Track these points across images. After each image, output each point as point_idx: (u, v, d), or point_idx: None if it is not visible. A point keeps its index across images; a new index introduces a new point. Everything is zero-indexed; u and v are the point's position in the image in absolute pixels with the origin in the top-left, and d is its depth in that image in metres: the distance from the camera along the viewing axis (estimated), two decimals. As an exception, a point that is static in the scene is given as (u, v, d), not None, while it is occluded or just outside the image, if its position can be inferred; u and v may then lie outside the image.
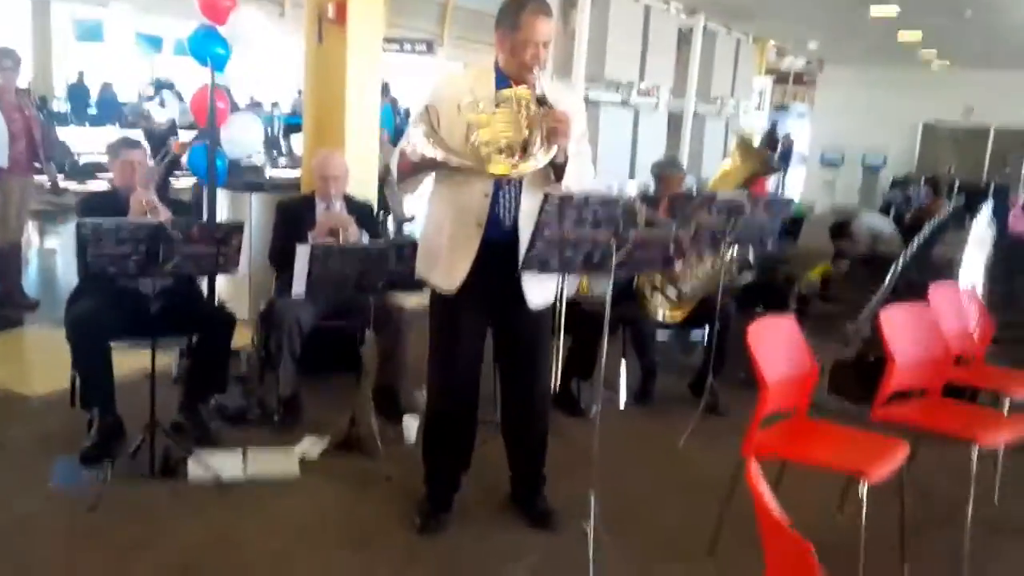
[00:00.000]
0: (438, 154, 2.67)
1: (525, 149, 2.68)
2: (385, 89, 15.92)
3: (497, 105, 2.70)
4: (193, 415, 3.73)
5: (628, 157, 7.26)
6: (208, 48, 4.57)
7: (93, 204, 3.81)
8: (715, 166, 7.24)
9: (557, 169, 2.79)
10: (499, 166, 2.65)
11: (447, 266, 2.92)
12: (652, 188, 5.08)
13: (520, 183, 2.84)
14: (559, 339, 4.25)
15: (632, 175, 7.29)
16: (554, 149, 2.69)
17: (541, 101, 2.70)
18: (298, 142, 13.41)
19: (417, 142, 2.67)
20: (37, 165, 5.77)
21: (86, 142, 12.62)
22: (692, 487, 3.62)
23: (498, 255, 2.84)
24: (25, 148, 5.51)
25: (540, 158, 2.68)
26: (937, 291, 3.84)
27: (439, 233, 2.94)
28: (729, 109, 9.54)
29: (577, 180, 2.86)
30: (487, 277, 2.88)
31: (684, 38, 8.17)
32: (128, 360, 3.71)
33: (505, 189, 2.85)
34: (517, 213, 2.87)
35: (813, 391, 3.12)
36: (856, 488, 2.69)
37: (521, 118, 2.68)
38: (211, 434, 3.71)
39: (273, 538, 3.05)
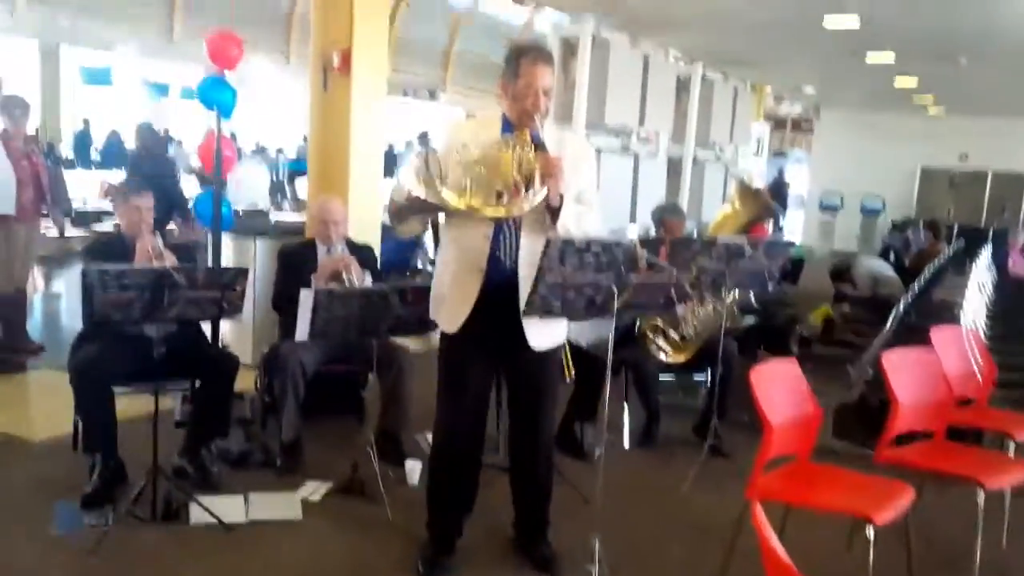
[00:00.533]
0: (422, 193, 2.70)
1: (517, 192, 2.73)
2: (423, 138, 16.11)
3: (491, 150, 2.75)
4: (195, 459, 3.72)
5: (629, 202, 7.33)
6: (216, 95, 4.64)
7: (99, 249, 3.84)
8: (714, 211, 7.30)
9: (552, 213, 2.83)
10: (486, 208, 2.71)
11: (450, 307, 2.97)
12: (653, 232, 5.13)
13: (518, 226, 2.88)
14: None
15: (633, 219, 7.35)
16: (543, 192, 2.74)
17: (537, 145, 2.76)
18: (303, 187, 13.53)
19: (406, 181, 2.73)
20: (44, 211, 5.81)
21: (91, 187, 12.72)
22: (696, 531, 3.60)
23: (499, 297, 2.88)
24: (33, 195, 5.56)
25: (527, 202, 2.72)
26: (939, 334, 3.86)
27: (444, 275, 3.00)
28: (728, 155, 9.65)
29: (576, 224, 2.89)
30: (489, 319, 2.91)
31: (683, 85, 8.31)
32: (131, 404, 3.71)
33: (505, 232, 2.90)
34: (517, 256, 2.91)
35: (817, 434, 3.12)
36: (862, 531, 2.68)
37: (512, 162, 2.74)
38: (213, 478, 3.70)
39: (275, 583, 3.03)
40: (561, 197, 2.80)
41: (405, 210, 2.85)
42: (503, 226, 2.88)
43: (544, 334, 3.00)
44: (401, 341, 4.12)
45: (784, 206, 17.40)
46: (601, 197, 3.10)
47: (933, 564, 3.34)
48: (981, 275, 7.79)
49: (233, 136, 14.40)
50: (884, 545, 2.68)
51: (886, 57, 9.32)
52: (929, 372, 3.48)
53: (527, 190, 2.71)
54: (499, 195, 2.73)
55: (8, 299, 5.62)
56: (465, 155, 2.74)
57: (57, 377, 5.03)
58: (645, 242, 2.88)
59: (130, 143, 18.10)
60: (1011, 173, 15.36)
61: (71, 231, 6.94)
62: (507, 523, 3.29)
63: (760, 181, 18.37)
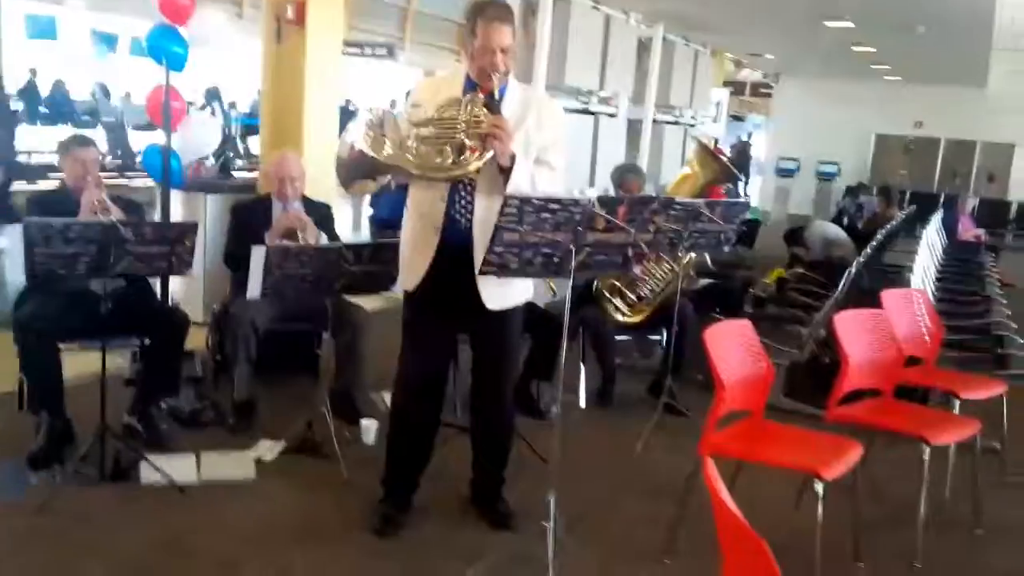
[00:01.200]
0: (367, 148, 2.69)
1: (461, 152, 2.72)
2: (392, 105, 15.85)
3: (443, 110, 2.74)
4: (145, 418, 3.66)
5: (588, 163, 7.31)
6: (166, 47, 4.50)
7: (43, 204, 3.72)
8: (673, 173, 7.32)
9: (505, 173, 2.81)
10: (431, 167, 2.72)
11: (409, 266, 2.99)
12: (612, 193, 5.12)
13: (473, 187, 2.85)
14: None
15: (592, 182, 7.34)
16: (488, 153, 2.72)
17: (488, 106, 2.74)
18: (255, 143, 13.28)
19: (354, 139, 2.71)
20: None
21: (38, 141, 12.36)
22: (651, 488, 3.64)
23: (456, 257, 2.87)
24: None
25: (473, 162, 2.72)
26: (889, 296, 3.92)
27: (407, 234, 3.01)
28: (687, 118, 9.67)
29: (530, 185, 2.86)
30: (446, 279, 2.90)
31: (644, 47, 8.27)
32: (78, 362, 3.63)
33: (460, 194, 2.88)
34: (472, 216, 2.88)
35: (769, 392, 3.16)
36: (811, 487, 2.72)
37: (458, 121, 2.72)
38: (164, 437, 3.64)
39: (228, 542, 2.99)
40: (513, 157, 2.77)
41: (350, 167, 2.82)
42: (458, 187, 2.87)
43: (501, 295, 2.98)
44: (357, 300, 4.07)
45: (747, 173, 17.56)
46: (562, 164, 3.07)
47: (880, 517, 3.43)
48: (931, 239, 7.95)
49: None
50: (832, 500, 2.74)
51: (845, 24, 9.36)
52: (879, 333, 3.54)
53: (474, 152, 2.70)
54: (447, 155, 2.72)
55: None
56: (416, 115, 2.74)
57: (0, 334, 4.91)
58: (603, 201, 2.85)
59: (77, 95, 17.64)
60: (963, 141, 15.64)
61: (16, 186, 6.71)
62: (463, 481, 3.29)
63: (724, 145, 18.50)
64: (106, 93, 17.68)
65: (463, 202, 2.90)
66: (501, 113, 2.78)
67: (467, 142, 2.72)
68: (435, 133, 2.74)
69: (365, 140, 2.70)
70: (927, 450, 3.09)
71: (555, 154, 2.97)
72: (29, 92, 16.81)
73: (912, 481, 3.14)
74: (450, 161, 2.72)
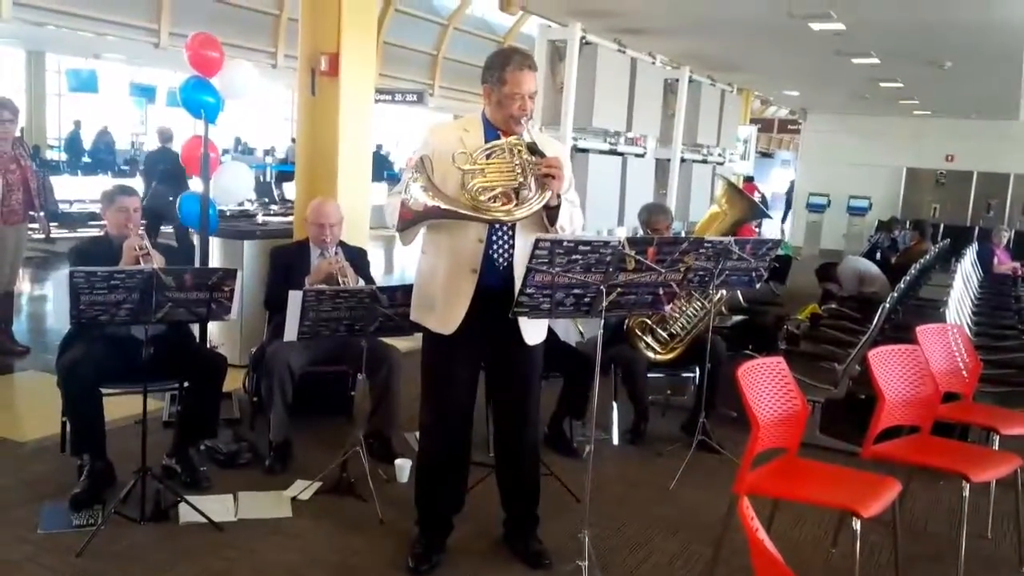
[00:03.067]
0: (440, 204, 2.78)
1: (519, 195, 2.81)
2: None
3: (489, 155, 2.82)
4: (184, 459, 3.71)
5: (616, 203, 7.33)
6: (199, 98, 4.64)
7: (86, 252, 3.83)
8: (702, 211, 7.33)
9: (550, 213, 2.88)
10: (496, 212, 2.79)
11: (443, 311, 2.98)
12: (640, 233, 5.15)
13: (513, 227, 2.92)
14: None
15: (621, 221, 7.36)
16: (547, 193, 2.81)
17: (532, 149, 2.82)
18: (290, 189, 13.53)
19: (417, 195, 2.78)
20: (32, 214, 5.80)
21: (79, 191, 12.70)
22: (685, 526, 3.61)
23: (494, 298, 2.89)
24: (22, 198, 5.56)
25: (535, 203, 2.81)
26: (925, 330, 3.90)
27: (433, 278, 3.00)
28: (715, 157, 9.69)
29: (569, 223, 2.97)
30: (483, 320, 2.92)
31: (670, 88, 8.33)
32: (119, 404, 3.71)
33: (498, 234, 2.93)
34: (511, 257, 2.94)
35: (804, 430, 3.14)
36: (848, 525, 2.70)
37: (515, 166, 2.81)
38: (202, 478, 3.69)
39: (265, 582, 3.03)
40: (559, 196, 2.86)
41: (417, 220, 2.86)
42: (495, 227, 2.92)
43: (536, 330, 3.06)
44: (390, 340, 4.12)
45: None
46: (588, 198, 3.14)
47: (920, 556, 3.37)
48: (966, 272, 7.86)
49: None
50: (871, 538, 2.71)
51: (871, 61, 9.38)
52: (915, 368, 3.51)
53: (531, 193, 2.79)
54: (506, 198, 2.80)
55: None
56: (466, 161, 2.80)
57: (44, 379, 5.03)
58: (633, 241, 2.89)
59: (119, 144, 18.12)
60: (996, 173, 15.49)
61: (57, 233, 6.91)
62: (497, 520, 3.30)
63: (760, 182, 18.43)
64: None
65: (501, 242, 2.95)
66: (544, 155, 2.84)
67: (525, 185, 2.80)
68: (489, 179, 2.80)
69: (428, 194, 2.77)
70: (967, 487, 3.05)
71: (571, 190, 3.04)
72: (73, 143, 17.31)
73: (953, 519, 3.11)
74: (512, 204, 2.80)
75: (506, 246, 2.95)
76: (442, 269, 2.97)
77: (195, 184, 4.95)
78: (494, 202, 2.79)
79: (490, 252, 2.94)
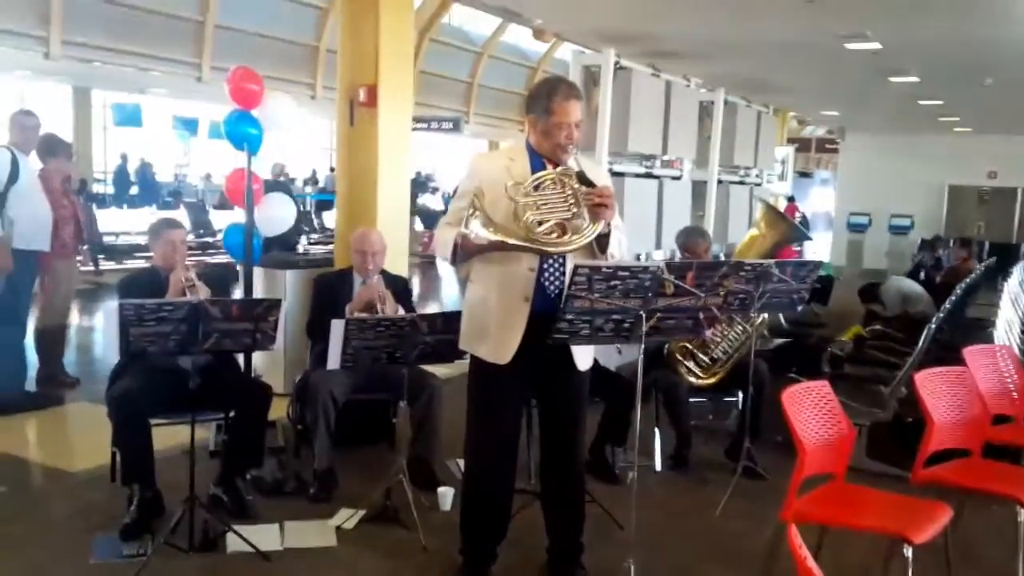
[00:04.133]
0: (504, 238, 2.82)
1: (572, 225, 2.85)
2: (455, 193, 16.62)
3: (538, 185, 2.86)
4: (231, 489, 3.76)
5: (654, 227, 7.32)
6: (243, 130, 4.74)
7: (133, 284, 3.91)
8: (741, 233, 7.29)
9: (601, 241, 2.91)
10: (553, 245, 2.82)
11: (497, 340, 2.99)
12: (677, 257, 5.14)
13: (564, 255, 2.93)
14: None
15: (658, 245, 7.35)
16: (600, 223, 2.85)
17: (582, 179, 2.85)
18: (330, 218, 13.72)
19: (478, 231, 2.82)
20: (81, 248, 5.99)
21: (125, 224, 13.00)
22: (731, 554, 3.57)
23: (545, 326, 2.87)
24: (73, 232, 5.72)
25: (589, 233, 2.85)
26: (972, 351, 3.83)
27: (485, 307, 3.02)
28: (753, 178, 9.64)
29: (618, 249, 3.00)
30: (535, 348, 2.93)
31: (705, 111, 8.33)
32: (167, 435, 3.77)
33: (549, 262, 2.96)
34: (563, 285, 2.95)
35: (851, 455, 3.10)
36: (899, 552, 2.65)
37: (567, 196, 2.85)
38: (249, 507, 3.73)
39: (311, 611, 3.05)
40: (609, 225, 2.89)
41: (478, 253, 2.92)
42: (547, 256, 2.94)
43: (586, 355, 3.09)
44: (431, 368, 4.15)
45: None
46: (625, 221, 3.15)
47: (974, 584, 3.29)
48: (1014, 291, 7.69)
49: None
50: (923, 566, 2.66)
51: (909, 80, 9.30)
52: (963, 390, 3.45)
53: (585, 223, 2.84)
54: (560, 230, 2.84)
55: (48, 333, 5.76)
56: (519, 193, 2.82)
57: (94, 409, 5.12)
58: (672, 266, 2.89)
59: (161, 176, 18.53)
60: (1042, 189, 15.22)
61: (104, 265, 7.09)
62: (541, 549, 3.28)
63: (801, 203, 18.26)
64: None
65: (553, 270, 2.97)
66: (593, 184, 2.87)
67: (579, 215, 2.83)
68: (544, 211, 2.83)
69: (489, 229, 2.81)
70: (1022, 512, 2.98)
71: (617, 216, 3.05)
72: (120, 176, 17.71)
73: (1007, 544, 3.03)
74: (568, 235, 2.83)
75: (557, 274, 2.97)
76: (494, 298, 2.98)
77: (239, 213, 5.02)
78: (550, 234, 2.82)
79: (542, 280, 2.96)
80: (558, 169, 2.90)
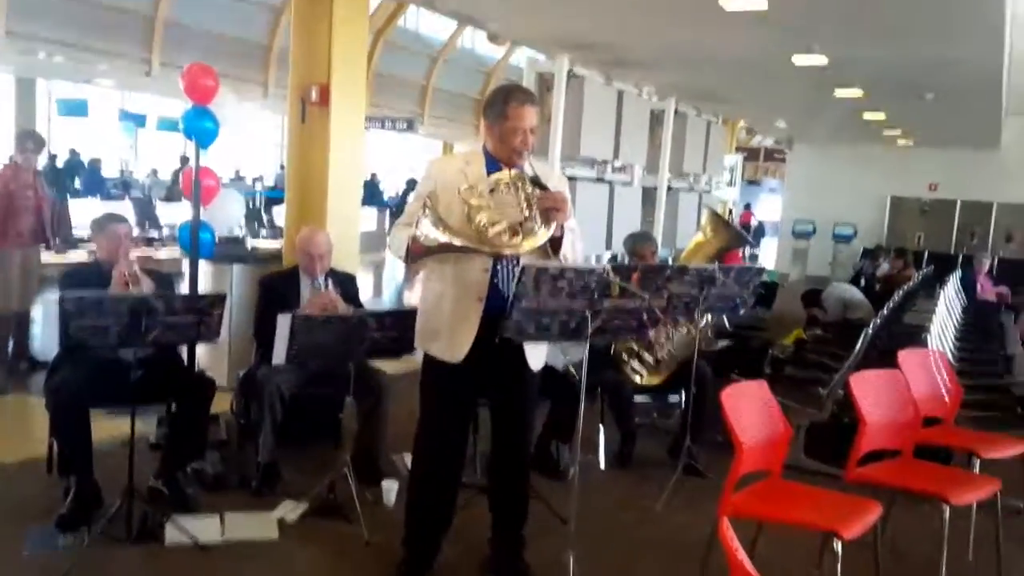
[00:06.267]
0: (452, 240, 2.85)
1: (524, 228, 2.88)
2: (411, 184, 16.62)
3: (493, 189, 2.90)
4: (171, 482, 3.71)
5: (604, 230, 7.42)
6: (199, 125, 4.68)
7: (75, 276, 3.86)
8: (689, 238, 7.42)
9: (554, 242, 2.95)
10: (504, 247, 2.86)
11: (450, 339, 3.02)
12: (626, 261, 5.21)
13: (518, 256, 2.97)
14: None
15: (608, 247, 7.45)
16: (552, 226, 2.89)
17: (535, 182, 2.90)
18: (280, 214, 13.59)
19: (428, 232, 2.85)
20: (50, 239, 6.04)
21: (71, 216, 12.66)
22: (670, 549, 3.64)
23: (496, 325, 2.90)
24: (33, 223, 5.79)
25: (541, 235, 2.89)
26: (907, 356, 3.95)
27: (439, 307, 3.05)
28: (702, 185, 9.82)
29: (571, 251, 3.04)
30: (487, 347, 2.95)
31: (656, 119, 8.46)
32: (106, 427, 3.71)
33: (503, 264, 2.99)
34: None
35: (788, 453, 3.18)
36: (831, 547, 2.73)
37: (520, 200, 2.89)
38: (189, 500, 3.69)
39: (251, 604, 3.03)
40: (562, 228, 2.94)
41: (428, 255, 2.94)
42: (502, 259, 2.97)
43: (538, 356, 3.13)
44: (378, 363, 4.15)
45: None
46: (578, 224, 3.20)
47: (901, 578, 3.40)
48: (950, 298, 7.95)
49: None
50: (853, 560, 2.74)
51: (854, 93, 9.55)
52: (896, 393, 3.56)
53: (536, 225, 2.87)
54: (512, 232, 2.87)
55: (12, 319, 5.83)
56: (472, 195, 2.87)
57: (30, 400, 5.03)
58: (617, 268, 2.95)
59: (106, 171, 18.11)
60: (979, 202, 15.71)
61: (48, 258, 7.03)
62: (483, 542, 3.31)
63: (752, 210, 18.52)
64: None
65: (506, 271, 3.00)
66: (547, 188, 2.92)
67: (531, 218, 2.87)
68: (496, 213, 2.87)
69: (440, 230, 2.84)
70: (947, 510, 3.08)
71: (572, 219, 3.10)
72: (70, 170, 17.25)
73: (933, 542, 3.13)
74: (519, 237, 2.86)
75: (511, 275, 2.99)
76: (449, 298, 3.02)
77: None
78: (501, 236, 2.86)
79: (495, 281, 2.99)
80: (512, 172, 2.93)
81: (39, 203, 5.84)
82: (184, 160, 16.57)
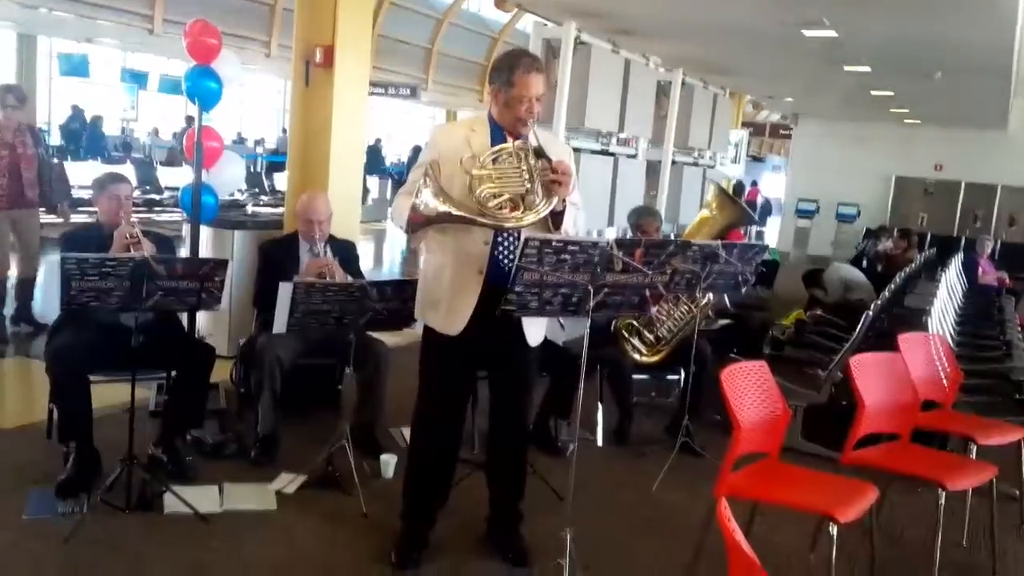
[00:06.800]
0: (451, 210, 2.82)
1: (525, 200, 2.85)
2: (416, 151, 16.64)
3: (496, 159, 2.85)
4: (170, 449, 3.72)
5: (607, 204, 7.37)
6: (203, 86, 4.62)
7: (76, 238, 3.83)
8: (693, 213, 7.38)
9: (555, 216, 2.92)
10: (505, 219, 2.82)
11: (448, 311, 3.00)
12: (629, 235, 5.18)
13: (519, 230, 2.94)
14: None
15: (611, 222, 7.40)
16: (554, 200, 2.86)
17: (539, 154, 2.86)
18: (281, 180, 13.53)
19: (428, 201, 2.81)
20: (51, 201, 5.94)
21: (72, 177, 12.62)
22: (666, 527, 3.66)
23: (498, 300, 2.87)
24: (8, 185, 5.58)
25: (542, 209, 2.85)
26: (906, 339, 3.94)
27: (439, 278, 3.03)
28: (707, 159, 9.74)
29: (573, 226, 3.01)
30: (487, 321, 2.93)
31: (663, 90, 8.37)
32: (106, 392, 3.71)
33: (504, 236, 2.96)
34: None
35: (785, 434, 3.19)
36: (827, 530, 2.74)
37: (522, 171, 2.85)
38: (188, 468, 3.70)
39: (247, 572, 3.05)
40: (564, 201, 2.90)
41: (427, 224, 2.89)
42: (503, 231, 2.94)
43: (537, 331, 3.11)
44: (378, 335, 4.14)
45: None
46: (581, 198, 3.17)
47: (896, 562, 3.43)
48: (951, 282, 7.93)
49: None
50: (848, 543, 2.76)
51: (862, 69, 9.46)
52: (895, 376, 3.56)
53: (538, 198, 2.84)
54: (513, 204, 2.84)
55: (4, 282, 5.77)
56: (473, 165, 2.82)
57: (31, 364, 5.03)
58: (621, 243, 2.92)
59: (107, 129, 18.00)
60: (984, 184, 15.63)
61: (47, 218, 6.93)
62: (480, 517, 3.33)
63: (761, 186, 18.54)
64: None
65: (507, 244, 2.97)
66: (550, 159, 2.87)
67: (533, 191, 2.83)
68: (498, 184, 2.83)
69: (440, 200, 2.81)
70: (943, 495, 3.10)
71: (576, 193, 3.07)
72: (72, 129, 17.10)
73: (928, 526, 3.15)
74: (520, 211, 2.83)
75: (512, 248, 2.97)
76: (449, 270, 3.00)
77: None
78: (501, 209, 2.83)
79: (496, 254, 2.97)
80: (516, 142, 2.89)
81: (15, 162, 5.61)
82: (190, 120, 16.42)
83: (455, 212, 2.83)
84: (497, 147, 2.89)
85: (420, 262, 3.29)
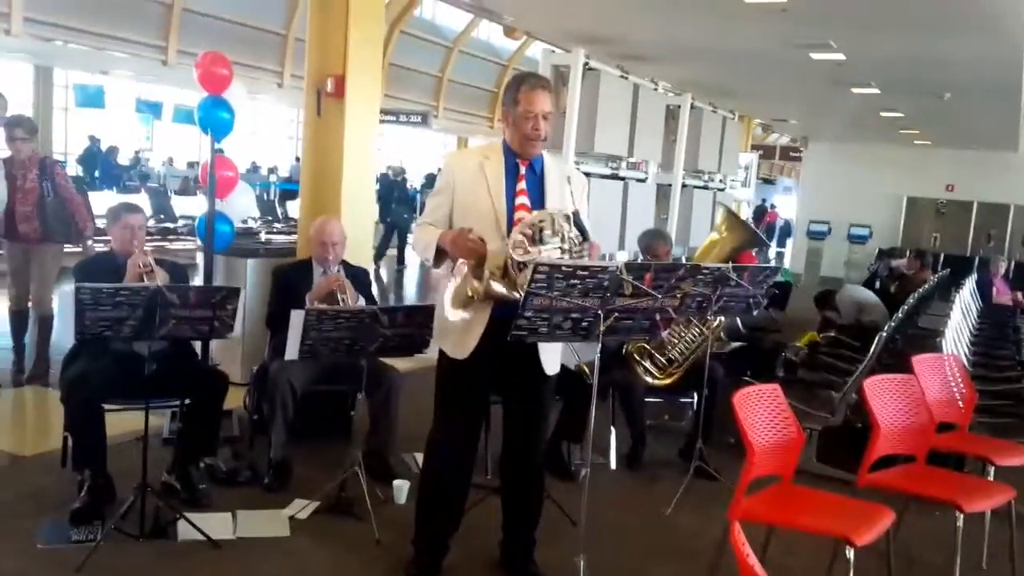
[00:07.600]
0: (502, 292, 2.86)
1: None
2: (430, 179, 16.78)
3: (536, 237, 2.86)
4: (184, 476, 3.73)
5: (618, 227, 7.38)
6: (215, 116, 4.68)
7: (89, 268, 3.87)
8: (703, 236, 7.38)
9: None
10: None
11: (458, 336, 3.01)
12: (639, 259, 5.19)
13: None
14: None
15: (622, 245, 7.41)
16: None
17: (581, 230, 2.90)
18: (294, 208, 13.63)
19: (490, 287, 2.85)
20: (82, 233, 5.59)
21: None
22: (680, 552, 3.63)
23: (507, 325, 2.86)
24: (29, 220, 5.32)
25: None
26: (921, 360, 3.92)
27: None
28: (716, 183, 9.75)
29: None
30: (499, 347, 2.93)
31: (672, 114, 8.40)
32: (120, 421, 3.73)
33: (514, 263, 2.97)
34: None
35: (799, 457, 3.17)
36: (843, 554, 2.72)
37: (558, 241, 2.88)
38: (201, 495, 3.70)
39: (261, 601, 3.04)
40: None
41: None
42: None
43: (554, 360, 3.11)
44: (390, 361, 4.15)
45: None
46: (590, 222, 3.18)
47: (914, 586, 3.38)
48: (965, 302, 7.89)
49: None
50: (865, 567, 2.72)
51: (870, 91, 9.48)
52: (910, 398, 3.53)
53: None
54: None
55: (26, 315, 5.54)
56: (518, 250, 2.86)
57: (47, 393, 5.06)
58: (631, 267, 2.93)
59: (121, 160, 18.19)
60: (996, 204, 15.57)
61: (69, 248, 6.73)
62: (493, 543, 3.31)
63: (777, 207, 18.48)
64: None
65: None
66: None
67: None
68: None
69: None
70: (961, 517, 3.06)
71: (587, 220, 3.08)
72: (89, 159, 17.27)
73: (946, 549, 3.11)
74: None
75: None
76: None
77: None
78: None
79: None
80: (552, 212, 2.89)
81: (14, 194, 5.25)
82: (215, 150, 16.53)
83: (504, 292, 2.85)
84: (536, 217, 2.88)
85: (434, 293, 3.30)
